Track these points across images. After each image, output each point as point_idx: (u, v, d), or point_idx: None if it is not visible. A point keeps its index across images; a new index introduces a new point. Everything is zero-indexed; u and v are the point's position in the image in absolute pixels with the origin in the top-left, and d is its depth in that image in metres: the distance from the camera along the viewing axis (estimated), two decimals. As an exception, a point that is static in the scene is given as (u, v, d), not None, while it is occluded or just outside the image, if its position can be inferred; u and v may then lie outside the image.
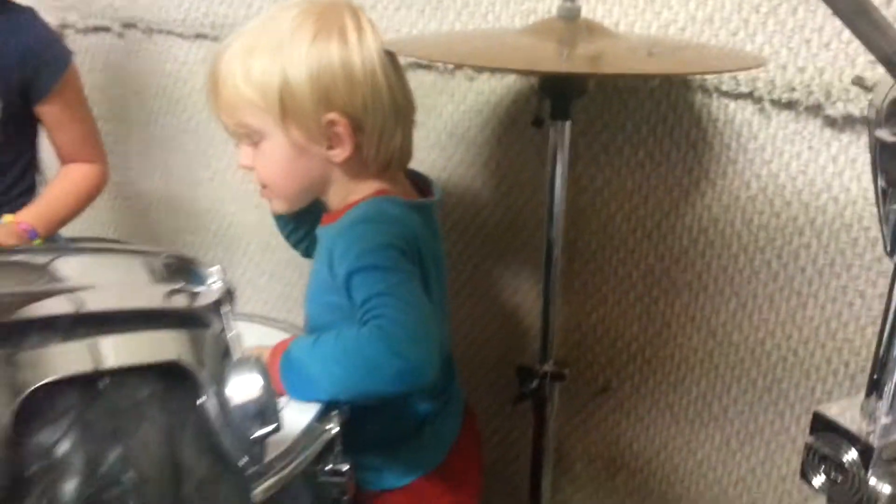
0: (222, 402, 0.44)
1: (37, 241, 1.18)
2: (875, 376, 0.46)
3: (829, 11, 0.95)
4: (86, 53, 1.57)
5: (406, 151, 0.95)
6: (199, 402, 0.44)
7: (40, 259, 0.38)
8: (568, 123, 0.99)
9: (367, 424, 0.88)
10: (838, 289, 1.06)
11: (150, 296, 0.42)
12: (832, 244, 1.05)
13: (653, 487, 1.29)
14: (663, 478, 1.27)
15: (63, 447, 0.35)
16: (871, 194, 1.02)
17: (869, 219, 1.03)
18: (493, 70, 1.18)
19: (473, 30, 1.20)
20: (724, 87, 1.07)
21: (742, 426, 1.17)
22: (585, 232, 1.23)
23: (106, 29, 1.55)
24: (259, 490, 0.50)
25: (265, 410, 0.45)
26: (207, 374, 0.44)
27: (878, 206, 0.44)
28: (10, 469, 0.33)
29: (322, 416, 0.81)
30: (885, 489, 0.44)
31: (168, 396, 0.42)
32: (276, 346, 0.85)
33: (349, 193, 0.93)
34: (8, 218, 1.19)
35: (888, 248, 0.44)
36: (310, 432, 0.77)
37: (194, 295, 0.44)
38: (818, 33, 1.00)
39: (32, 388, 0.35)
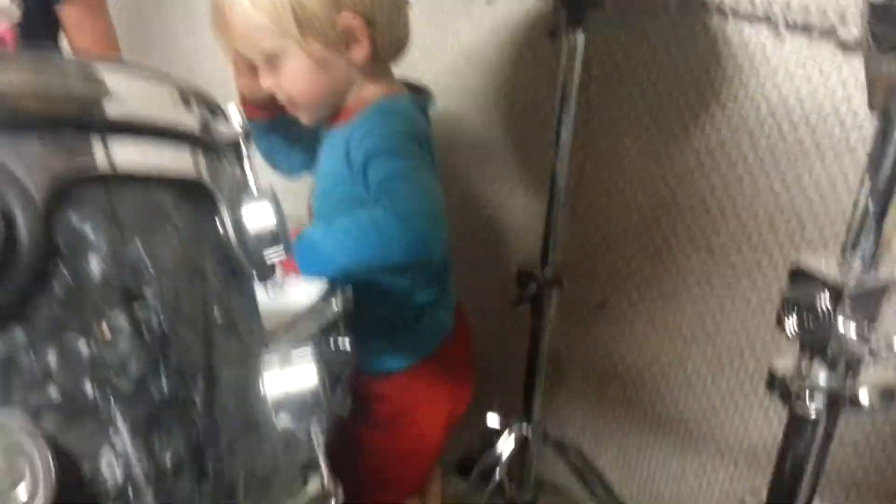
0: (238, 224, 0.48)
1: None
2: (852, 229, 0.50)
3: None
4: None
5: (408, 38, 0.99)
6: (217, 220, 0.47)
7: (85, 65, 0.41)
8: (581, 34, 1.00)
9: (371, 311, 0.93)
10: (838, 211, 1.09)
11: (180, 118, 0.46)
12: (835, 167, 1.08)
13: (643, 398, 1.34)
14: (654, 389, 1.33)
15: (88, 228, 0.39)
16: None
17: (873, 143, 1.05)
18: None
19: None
20: (741, 10, 1.08)
21: (733, 342, 1.21)
22: (594, 152, 1.26)
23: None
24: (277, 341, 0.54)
25: (277, 238, 0.49)
26: (226, 197, 0.48)
27: (865, 63, 0.47)
28: (41, 241, 0.36)
29: (326, 296, 0.85)
30: (852, 330, 0.48)
31: (189, 209, 0.45)
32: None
33: (361, 93, 0.97)
34: None
35: (870, 102, 0.47)
36: (314, 309, 0.81)
37: (218, 127, 0.48)
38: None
39: (68, 177, 0.38)
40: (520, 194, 1.36)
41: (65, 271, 0.37)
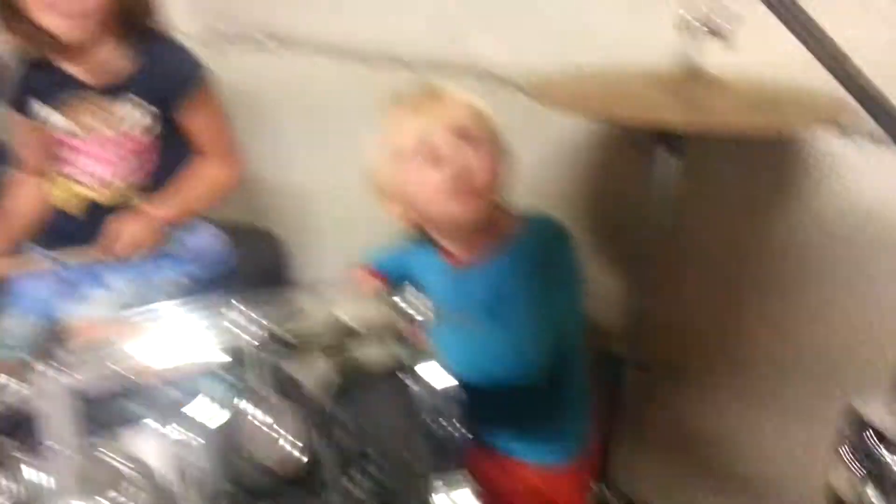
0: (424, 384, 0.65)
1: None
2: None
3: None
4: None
5: None
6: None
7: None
8: (681, 162, 1.11)
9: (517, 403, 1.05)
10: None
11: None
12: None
13: (717, 465, 1.46)
14: (725, 452, 1.44)
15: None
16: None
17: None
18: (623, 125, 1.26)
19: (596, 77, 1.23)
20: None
21: (800, 411, 1.32)
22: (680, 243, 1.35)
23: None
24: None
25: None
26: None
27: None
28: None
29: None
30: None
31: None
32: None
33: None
34: (141, 204, 1.33)
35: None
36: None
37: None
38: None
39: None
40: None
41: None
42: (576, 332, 1.10)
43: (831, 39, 0.55)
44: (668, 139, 1.11)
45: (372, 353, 0.66)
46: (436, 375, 0.65)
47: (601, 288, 1.49)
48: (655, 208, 1.16)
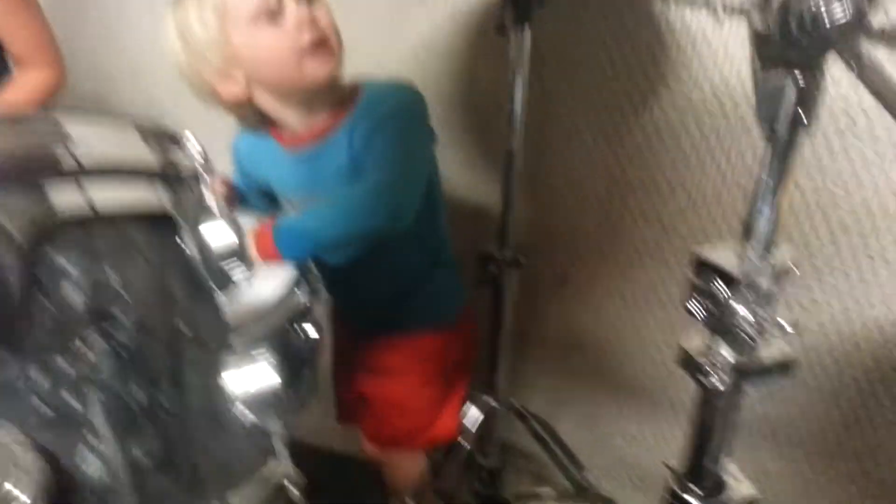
0: (201, 244, 0.53)
1: None
2: (748, 223, 0.56)
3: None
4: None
5: None
6: (183, 245, 0.53)
7: (53, 121, 0.46)
8: (528, 30, 1.05)
9: (393, 274, 1.11)
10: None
11: (143, 157, 0.51)
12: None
13: (604, 366, 1.42)
14: (613, 357, 1.40)
15: (67, 263, 0.45)
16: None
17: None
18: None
19: None
20: (682, -5, 1.13)
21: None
22: (549, 134, 1.32)
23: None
24: (238, 342, 0.58)
25: (236, 252, 0.54)
26: (189, 222, 0.53)
27: (755, 86, 0.53)
28: (25, 275, 0.42)
29: (292, 286, 0.90)
30: (747, 315, 0.55)
31: (157, 239, 0.51)
32: (259, 226, 0.94)
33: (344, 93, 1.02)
34: None
35: (760, 117, 0.53)
36: (282, 300, 0.87)
37: (178, 159, 0.53)
38: (770, -59, 1.05)
39: (45, 221, 0.44)
40: (479, 178, 1.41)
41: (46, 301, 0.43)
42: (437, 185, 1.12)
43: None
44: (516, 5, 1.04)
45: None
46: (219, 236, 0.54)
47: (477, 187, 1.42)
48: (515, 96, 1.10)
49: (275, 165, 1.05)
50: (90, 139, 0.46)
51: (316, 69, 0.94)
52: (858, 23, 0.47)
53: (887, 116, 1.03)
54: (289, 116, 1.01)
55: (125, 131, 0.51)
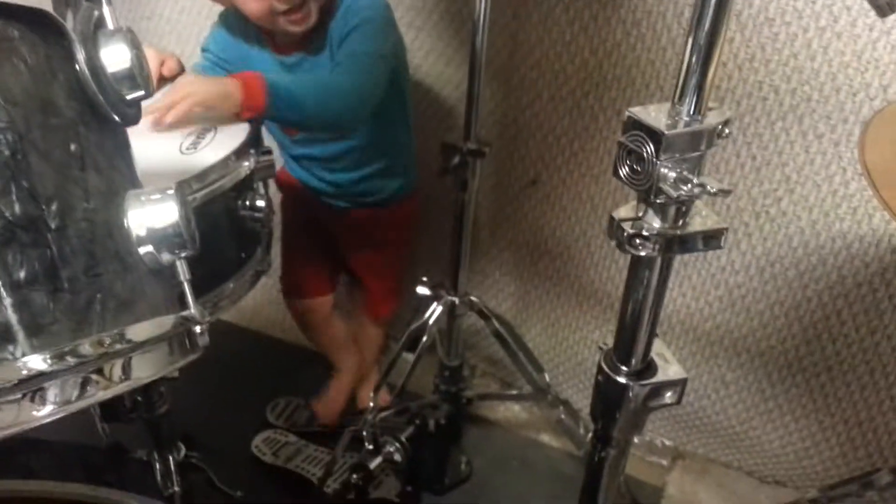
0: (94, 62, 0.50)
1: None
2: (679, 81, 0.53)
3: None
4: None
5: None
6: (72, 57, 0.49)
7: None
8: None
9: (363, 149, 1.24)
10: (755, 84, 1.12)
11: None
12: (754, 38, 1.09)
13: (570, 272, 1.41)
14: (580, 263, 1.39)
15: None
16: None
17: (790, 12, 1.06)
18: None
19: None
20: None
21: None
22: (526, 25, 1.26)
23: None
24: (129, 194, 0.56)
25: (137, 76, 0.51)
26: (79, 33, 0.49)
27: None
28: None
29: (240, 152, 0.88)
30: (671, 174, 0.52)
31: (38, 41, 0.47)
32: (245, 73, 1.01)
33: None
34: None
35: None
36: (225, 164, 0.85)
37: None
38: None
39: None
40: (449, 68, 1.37)
41: None
42: (404, 77, 1.24)
43: None
44: None
45: None
46: (116, 55, 0.50)
47: (446, 77, 1.37)
48: None
49: (261, 66, 1.14)
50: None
51: (288, 26, 1.07)
52: None
53: (870, 13, 0.99)
54: (272, 31, 1.13)
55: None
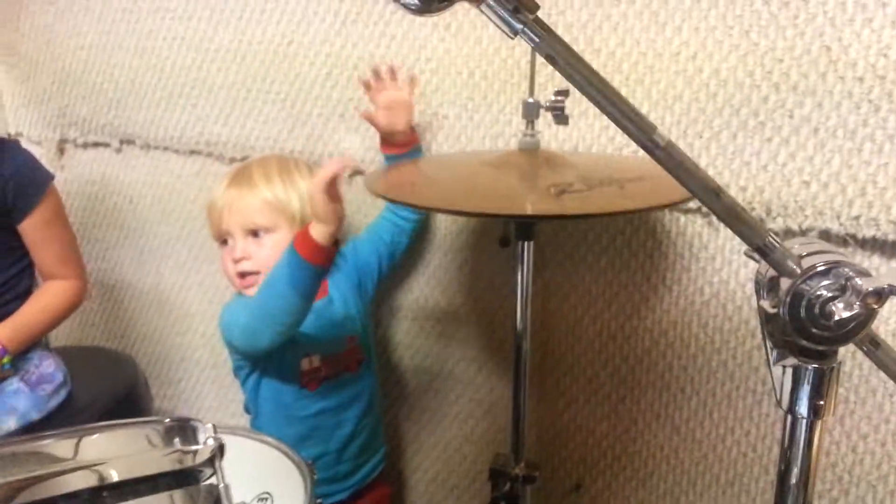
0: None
1: (5, 359, 1.24)
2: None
3: (766, 136, 1.07)
4: (84, 166, 1.68)
5: None
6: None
7: (57, 442, 0.45)
8: (531, 244, 1.07)
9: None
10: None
11: (153, 462, 0.49)
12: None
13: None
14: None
15: None
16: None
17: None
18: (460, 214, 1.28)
19: (441, 163, 1.26)
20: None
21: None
22: (555, 334, 1.31)
23: (105, 144, 1.65)
24: None
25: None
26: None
27: (769, 366, 0.52)
28: None
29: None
30: None
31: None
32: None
33: None
34: None
35: (779, 400, 0.51)
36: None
37: (190, 454, 0.52)
38: (756, 157, 1.10)
39: None
40: (489, 377, 1.40)
41: None
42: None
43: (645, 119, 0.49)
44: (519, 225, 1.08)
45: None
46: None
47: (486, 396, 1.39)
48: (520, 303, 1.11)
49: None
50: (110, 451, 0.45)
51: (242, 287, 1.20)
52: (867, 317, 0.47)
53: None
54: None
55: (144, 431, 0.50)
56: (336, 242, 1.04)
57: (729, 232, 1.13)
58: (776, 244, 0.49)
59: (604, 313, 1.27)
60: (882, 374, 0.89)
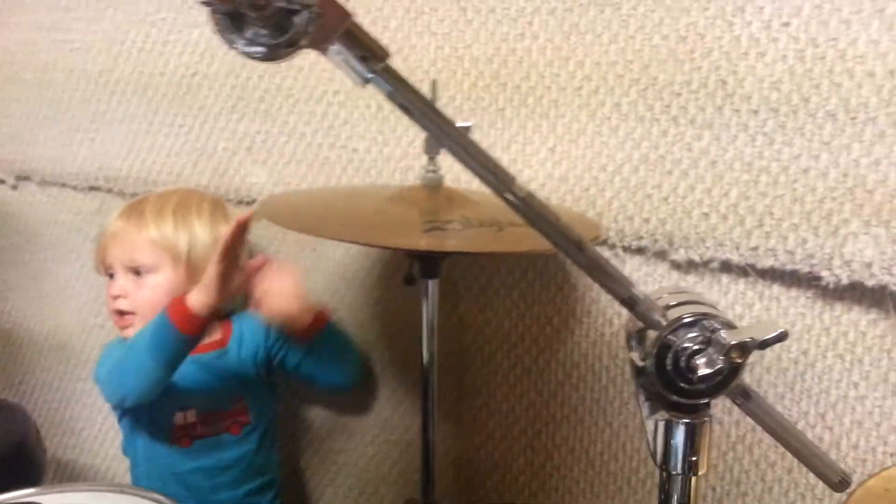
0: None
1: None
2: None
3: (666, 169, 1.08)
4: (-22, 203, 1.59)
5: None
6: None
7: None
8: (436, 282, 1.05)
9: None
10: (698, 419, 1.14)
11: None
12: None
13: None
14: None
15: None
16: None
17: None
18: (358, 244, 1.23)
19: (341, 194, 1.26)
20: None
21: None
22: (471, 369, 1.29)
23: (1, 181, 1.57)
24: None
25: None
26: None
27: (642, 419, 0.51)
28: None
29: None
30: None
31: None
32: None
33: None
34: None
35: (653, 455, 0.50)
36: None
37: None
38: (657, 189, 1.11)
39: None
40: (404, 417, 1.36)
41: None
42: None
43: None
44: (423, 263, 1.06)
45: None
46: None
47: (402, 434, 1.36)
48: (425, 342, 1.09)
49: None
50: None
51: (120, 326, 1.15)
52: (732, 370, 0.46)
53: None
54: None
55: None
56: (230, 313, 0.99)
57: (635, 263, 1.17)
58: (640, 296, 0.48)
59: (517, 347, 1.25)
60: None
